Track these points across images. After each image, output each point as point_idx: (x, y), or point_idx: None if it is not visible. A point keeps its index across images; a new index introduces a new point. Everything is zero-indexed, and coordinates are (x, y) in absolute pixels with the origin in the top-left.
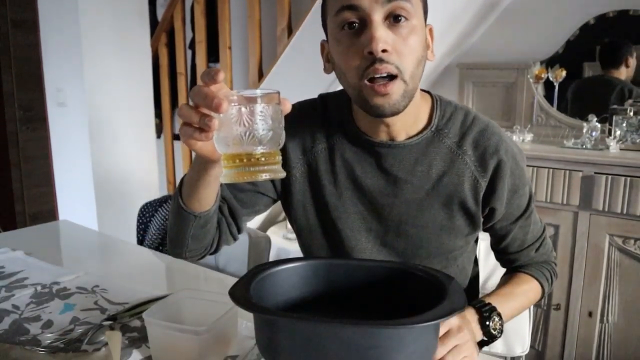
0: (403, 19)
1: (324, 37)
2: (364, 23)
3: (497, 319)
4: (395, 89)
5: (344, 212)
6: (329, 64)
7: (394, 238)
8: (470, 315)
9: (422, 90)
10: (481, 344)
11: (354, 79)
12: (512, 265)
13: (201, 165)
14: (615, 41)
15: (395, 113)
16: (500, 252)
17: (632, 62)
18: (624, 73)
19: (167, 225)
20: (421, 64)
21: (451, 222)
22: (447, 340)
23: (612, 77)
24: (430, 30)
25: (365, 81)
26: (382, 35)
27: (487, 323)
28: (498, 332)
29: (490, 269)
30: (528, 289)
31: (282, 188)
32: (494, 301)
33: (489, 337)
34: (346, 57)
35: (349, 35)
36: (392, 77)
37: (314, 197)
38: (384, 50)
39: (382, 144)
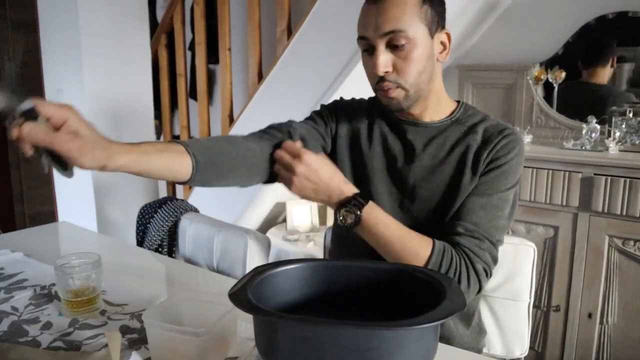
0: (402, 44)
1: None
2: (373, 48)
3: (351, 217)
4: (396, 95)
5: (372, 171)
6: None
7: (409, 203)
8: (349, 189)
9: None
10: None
11: (372, 85)
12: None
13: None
14: (601, 40)
15: (400, 110)
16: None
17: (615, 63)
18: (608, 74)
19: None
20: (424, 71)
21: (456, 183)
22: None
23: (596, 83)
24: (448, 35)
25: (378, 88)
26: (382, 62)
27: (342, 209)
28: (341, 221)
29: None
30: (414, 239)
31: (332, 143)
32: (375, 212)
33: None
34: (366, 71)
35: (366, 57)
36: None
37: (351, 155)
38: (386, 71)
39: (410, 122)
